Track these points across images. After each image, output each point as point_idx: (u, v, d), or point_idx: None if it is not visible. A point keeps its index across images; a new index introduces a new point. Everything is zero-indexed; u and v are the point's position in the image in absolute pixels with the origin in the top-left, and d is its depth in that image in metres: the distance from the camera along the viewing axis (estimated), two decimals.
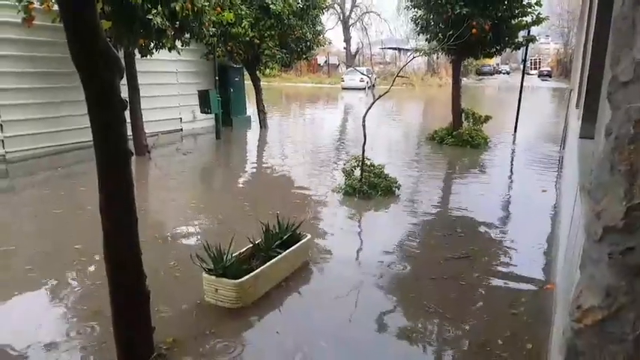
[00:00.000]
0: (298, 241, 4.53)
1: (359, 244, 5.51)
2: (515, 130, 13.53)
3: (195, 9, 8.29)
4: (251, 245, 4.32)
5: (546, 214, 6.28)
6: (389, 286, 4.24)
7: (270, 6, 12.10)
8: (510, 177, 9.22)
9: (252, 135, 14.10)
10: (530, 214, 6.38)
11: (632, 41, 0.93)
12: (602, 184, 0.98)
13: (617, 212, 0.93)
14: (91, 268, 4.43)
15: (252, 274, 3.83)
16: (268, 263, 4.05)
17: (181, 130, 13.17)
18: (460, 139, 11.36)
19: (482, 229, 5.83)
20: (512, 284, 4.30)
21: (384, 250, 4.99)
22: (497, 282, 4.34)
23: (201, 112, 12.34)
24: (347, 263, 4.78)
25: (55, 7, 6.37)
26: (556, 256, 4.48)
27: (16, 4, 7.41)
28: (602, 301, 0.98)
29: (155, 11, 7.55)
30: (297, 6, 12.64)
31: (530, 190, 7.58)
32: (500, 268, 4.64)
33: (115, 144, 2.72)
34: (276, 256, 4.17)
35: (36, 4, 7.60)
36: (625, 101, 0.93)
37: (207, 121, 13.36)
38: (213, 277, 3.80)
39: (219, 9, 9.57)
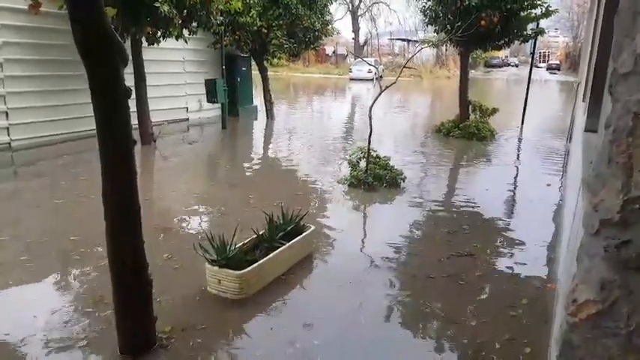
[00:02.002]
0: (302, 233, 4.52)
1: (362, 238, 5.49)
2: (522, 123, 13.46)
3: None
4: (254, 236, 4.32)
5: (551, 210, 6.24)
6: (388, 283, 4.19)
7: None
8: (516, 171, 9.16)
9: (259, 125, 14.08)
10: (536, 210, 6.33)
11: (633, 32, 0.92)
12: (600, 177, 0.98)
13: (613, 205, 0.93)
14: (91, 258, 4.43)
15: (255, 265, 3.83)
16: (271, 254, 4.04)
17: (187, 119, 13.19)
18: (467, 132, 11.32)
19: (486, 224, 5.81)
20: (513, 284, 4.22)
21: (387, 244, 4.97)
22: (498, 282, 4.28)
23: (208, 101, 12.34)
24: (349, 256, 4.76)
25: None
26: (559, 253, 4.44)
27: None
28: (597, 295, 0.97)
29: None
30: None
31: (536, 185, 7.53)
32: (502, 267, 4.56)
33: (119, 132, 2.71)
34: (279, 248, 4.18)
35: None
36: (625, 93, 0.92)
37: (213, 111, 13.36)
38: (216, 268, 3.80)
39: None
